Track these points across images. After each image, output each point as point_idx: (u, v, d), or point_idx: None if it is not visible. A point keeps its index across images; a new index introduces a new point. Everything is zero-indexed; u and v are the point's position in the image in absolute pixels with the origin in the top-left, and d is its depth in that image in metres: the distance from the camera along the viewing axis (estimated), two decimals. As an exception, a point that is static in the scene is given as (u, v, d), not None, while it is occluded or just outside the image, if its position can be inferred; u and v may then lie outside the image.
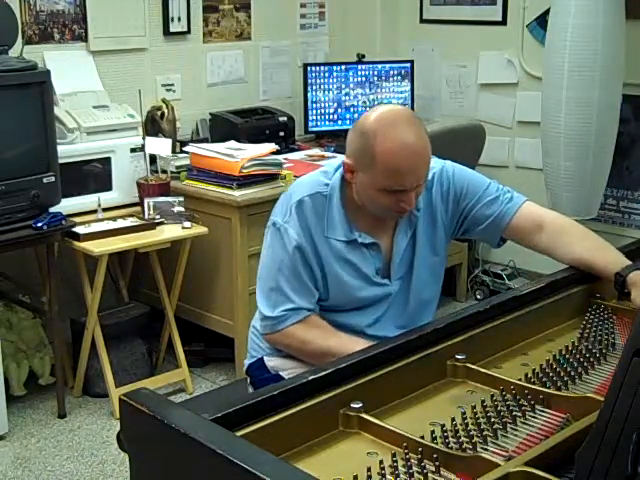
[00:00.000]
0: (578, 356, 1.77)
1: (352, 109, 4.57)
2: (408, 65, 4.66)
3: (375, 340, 1.97)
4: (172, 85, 4.14)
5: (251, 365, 2.25)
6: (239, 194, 3.48)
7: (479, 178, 2.21)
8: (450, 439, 1.44)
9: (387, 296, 2.15)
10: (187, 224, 3.47)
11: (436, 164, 2.17)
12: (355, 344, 1.88)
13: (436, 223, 2.17)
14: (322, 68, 4.52)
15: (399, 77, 4.64)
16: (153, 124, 3.83)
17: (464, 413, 1.54)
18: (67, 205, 3.33)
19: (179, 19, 4.10)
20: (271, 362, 2.19)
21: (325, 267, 2.09)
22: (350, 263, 2.10)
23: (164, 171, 3.63)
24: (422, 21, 4.82)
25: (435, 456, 1.36)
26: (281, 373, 2.14)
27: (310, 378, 1.51)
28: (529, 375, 1.68)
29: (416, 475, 1.34)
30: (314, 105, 4.51)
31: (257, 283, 2.16)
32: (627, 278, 1.97)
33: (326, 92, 4.52)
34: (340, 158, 2.15)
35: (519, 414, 1.52)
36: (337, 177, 2.10)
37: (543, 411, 1.54)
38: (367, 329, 2.14)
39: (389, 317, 2.16)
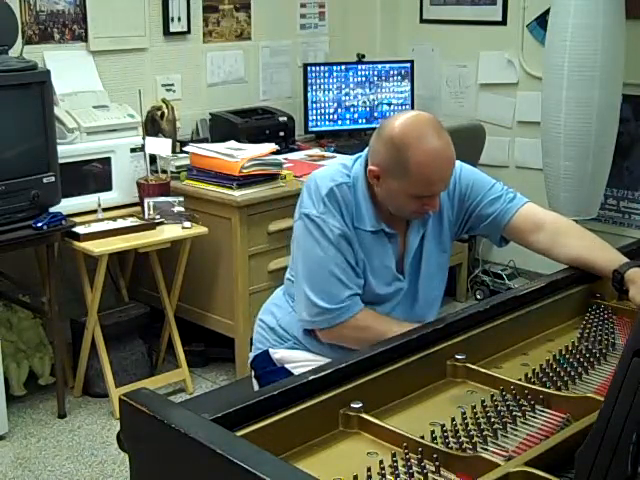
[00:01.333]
0: (578, 356, 1.77)
1: (352, 109, 4.57)
2: (408, 65, 4.66)
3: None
4: (172, 85, 4.14)
5: (256, 357, 2.27)
6: (239, 194, 3.48)
7: (484, 178, 2.24)
8: (450, 439, 1.44)
9: (398, 292, 2.18)
10: (187, 224, 3.47)
11: None
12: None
13: (443, 222, 2.20)
14: (322, 68, 4.52)
15: (399, 77, 4.64)
16: (153, 124, 3.83)
17: (464, 413, 1.54)
18: (67, 205, 3.33)
19: (179, 19, 4.10)
20: (276, 354, 2.20)
21: (357, 257, 2.12)
22: (374, 256, 2.13)
23: (164, 171, 3.63)
24: (422, 21, 4.82)
25: (435, 456, 1.36)
26: (286, 366, 2.16)
27: (310, 378, 1.51)
28: (529, 375, 1.68)
29: (416, 475, 1.34)
30: (314, 105, 4.50)
31: (300, 279, 2.12)
32: (625, 275, 1.97)
33: (326, 92, 4.52)
34: (340, 158, 2.16)
35: (519, 414, 1.52)
36: (358, 169, 2.12)
37: (543, 411, 1.54)
38: None
39: (397, 313, 2.18)
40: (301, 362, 2.12)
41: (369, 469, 1.33)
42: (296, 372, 2.06)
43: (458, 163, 2.22)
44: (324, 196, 2.08)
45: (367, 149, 2.14)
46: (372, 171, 2.06)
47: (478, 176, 2.23)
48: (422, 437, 1.43)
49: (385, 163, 2.03)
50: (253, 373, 2.30)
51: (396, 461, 1.36)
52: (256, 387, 2.26)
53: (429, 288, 2.22)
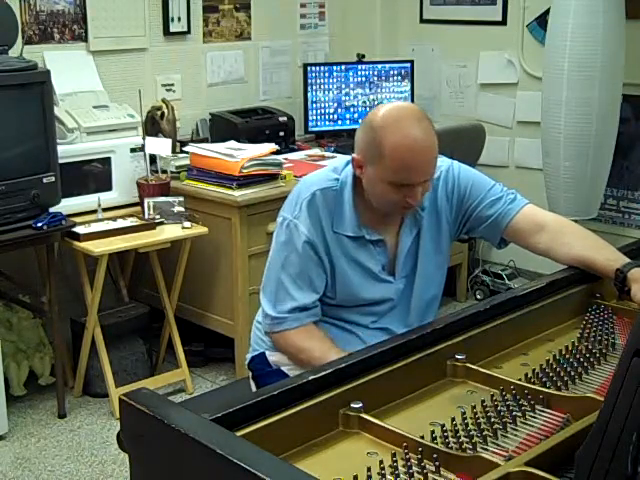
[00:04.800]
0: (578, 356, 1.77)
1: (352, 109, 4.57)
2: (408, 65, 4.66)
3: (378, 336, 1.99)
4: (172, 85, 4.14)
5: (253, 359, 2.27)
6: (239, 194, 3.48)
7: (484, 179, 2.23)
8: (450, 439, 1.44)
9: (392, 294, 2.17)
10: (187, 224, 3.47)
11: (443, 163, 2.19)
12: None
13: (441, 222, 2.19)
14: (322, 68, 4.52)
15: (399, 77, 4.64)
16: (153, 124, 3.83)
17: (464, 413, 1.54)
18: (67, 205, 3.33)
19: (179, 19, 4.10)
20: (273, 357, 2.20)
21: (334, 263, 2.11)
22: (357, 261, 2.12)
23: (164, 171, 3.63)
24: (422, 21, 4.82)
25: (435, 456, 1.36)
26: (282, 368, 2.16)
27: (310, 378, 1.51)
28: (529, 375, 1.68)
29: (416, 475, 1.34)
30: (314, 105, 4.51)
31: (263, 279, 2.18)
32: (628, 274, 1.97)
33: (326, 92, 4.52)
34: (341, 158, 2.16)
35: (519, 414, 1.52)
36: (347, 172, 2.12)
37: (543, 411, 1.54)
38: (372, 324, 2.16)
39: (393, 315, 2.18)
40: (296, 365, 2.11)
41: (369, 469, 1.33)
42: (292, 374, 2.06)
43: (457, 164, 2.22)
44: (303, 200, 2.08)
45: None
46: (355, 160, 2.06)
47: (477, 177, 2.23)
48: (422, 437, 1.43)
49: (365, 149, 2.03)
50: (251, 374, 2.30)
51: (396, 461, 1.36)
52: (254, 388, 2.26)
53: (426, 288, 2.21)
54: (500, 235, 2.20)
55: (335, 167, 2.17)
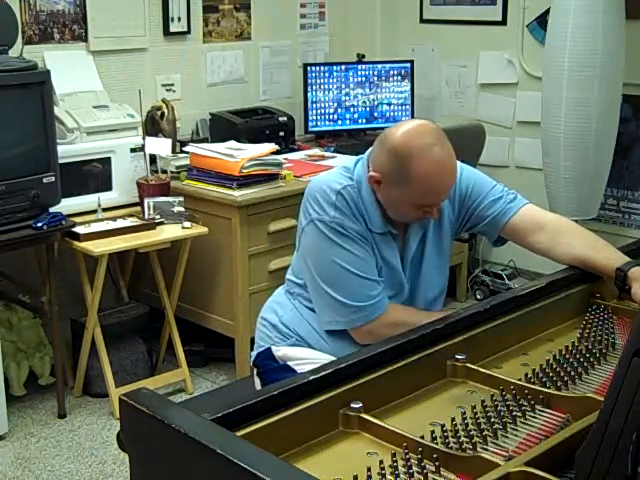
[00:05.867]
0: (578, 356, 1.77)
1: (352, 109, 4.57)
2: (408, 65, 4.66)
3: None
4: (172, 85, 4.14)
5: (259, 355, 2.27)
6: (239, 194, 3.48)
7: (485, 179, 2.25)
8: (450, 439, 1.44)
9: (402, 291, 2.19)
10: (187, 224, 3.47)
11: None
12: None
13: (443, 223, 2.21)
14: (322, 68, 4.52)
15: (399, 77, 4.64)
16: (153, 124, 3.83)
17: (464, 413, 1.54)
18: (67, 205, 3.33)
19: (179, 19, 4.10)
20: (279, 352, 2.21)
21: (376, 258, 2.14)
22: (382, 257, 2.14)
23: (164, 171, 3.63)
24: (422, 21, 4.82)
25: (435, 456, 1.36)
26: (289, 363, 2.16)
27: (310, 378, 1.51)
28: (529, 375, 1.68)
29: (416, 475, 1.34)
30: (314, 105, 4.50)
31: (319, 284, 2.12)
32: (628, 273, 1.98)
33: (326, 92, 4.52)
34: (347, 158, 2.17)
35: (519, 414, 1.52)
36: (359, 172, 2.13)
37: (543, 411, 1.54)
38: None
39: None
40: (304, 359, 2.12)
41: (369, 469, 1.33)
42: (299, 369, 2.07)
43: (459, 164, 2.22)
44: (334, 201, 2.09)
45: (368, 152, 2.14)
46: (373, 177, 2.07)
47: (479, 177, 2.24)
48: (422, 437, 1.43)
49: (387, 171, 2.04)
50: (256, 371, 2.30)
51: (396, 461, 1.36)
52: (258, 385, 2.26)
53: (429, 289, 2.23)
54: (498, 233, 2.22)
55: (346, 167, 2.17)
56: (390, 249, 2.15)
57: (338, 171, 2.18)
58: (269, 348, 2.23)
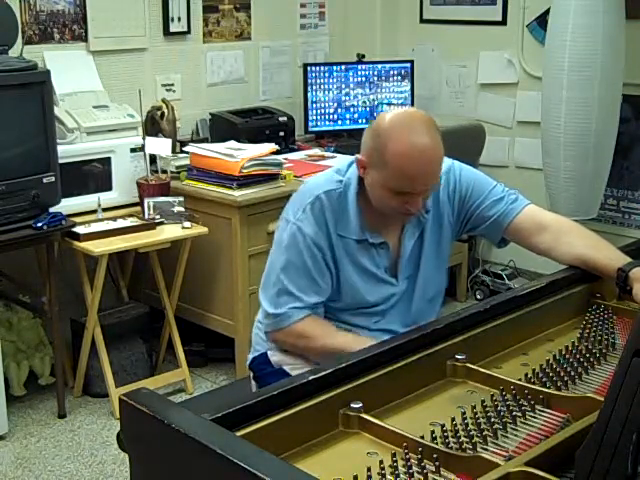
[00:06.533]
0: (578, 356, 1.77)
1: (352, 109, 4.57)
2: (408, 65, 4.66)
3: (380, 337, 1.99)
4: (172, 85, 4.14)
5: (254, 359, 2.27)
6: (239, 194, 3.48)
7: (485, 179, 2.23)
8: (450, 439, 1.44)
9: (393, 295, 2.17)
10: (187, 224, 3.47)
11: (444, 164, 2.18)
12: (361, 342, 1.89)
13: (442, 223, 2.20)
14: (322, 68, 4.52)
15: (399, 77, 4.64)
16: (153, 124, 3.83)
17: (464, 413, 1.54)
18: (67, 205, 3.33)
19: (179, 19, 4.10)
20: (275, 357, 2.20)
21: (339, 267, 2.11)
22: (360, 265, 2.12)
23: (164, 171, 3.63)
24: (422, 21, 4.82)
25: (435, 456, 1.36)
26: (284, 367, 2.15)
27: (310, 378, 1.51)
28: (529, 375, 1.68)
29: (416, 475, 1.34)
30: (314, 105, 4.51)
31: (262, 280, 2.17)
32: (630, 274, 1.97)
33: (326, 92, 4.52)
34: (344, 159, 2.17)
35: (519, 414, 1.52)
36: (351, 174, 2.12)
37: (543, 411, 1.54)
38: (373, 325, 2.17)
39: (395, 315, 2.18)
40: (299, 364, 2.12)
41: (369, 469, 1.33)
42: (294, 374, 2.06)
43: (458, 164, 2.22)
44: (307, 203, 2.08)
45: None
46: (360, 160, 2.06)
47: (479, 177, 2.23)
48: (422, 437, 1.43)
49: (369, 152, 2.03)
50: (252, 375, 2.30)
51: (396, 461, 1.36)
52: (255, 389, 2.26)
53: (427, 289, 2.22)
54: (501, 235, 2.21)
55: (339, 168, 2.17)
56: (369, 256, 2.12)
57: (329, 173, 2.17)
58: (265, 353, 2.22)
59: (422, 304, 2.22)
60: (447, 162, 2.20)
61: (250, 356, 2.30)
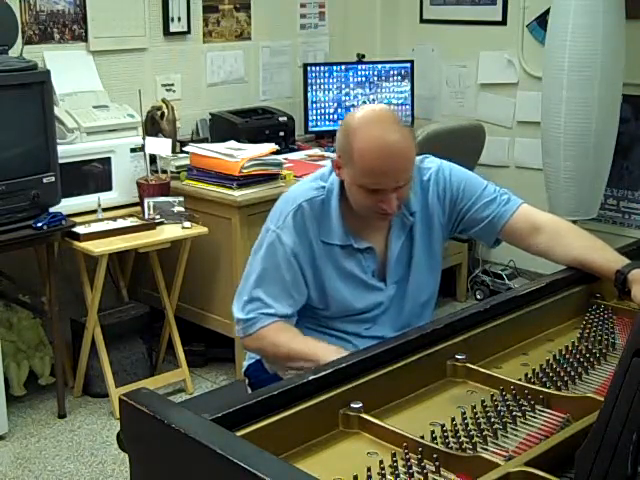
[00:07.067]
0: (578, 356, 1.77)
1: (352, 109, 4.56)
2: (408, 65, 4.66)
3: (370, 344, 1.97)
4: (172, 85, 4.14)
5: (250, 366, 2.25)
6: (239, 194, 3.48)
7: (476, 179, 2.20)
8: (450, 439, 1.44)
9: (383, 301, 2.14)
10: (187, 224, 3.47)
11: (432, 164, 2.17)
12: (329, 350, 1.88)
13: (433, 224, 2.16)
14: (322, 68, 4.52)
15: (399, 77, 4.64)
16: (153, 124, 3.83)
17: (464, 413, 1.54)
18: (67, 205, 3.33)
19: (179, 19, 4.10)
20: (269, 363, 2.18)
21: (323, 275, 2.08)
22: (346, 271, 2.09)
23: (164, 171, 3.63)
24: (422, 21, 4.82)
25: (435, 456, 1.36)
26: (280, 374, 2.14)
27: (310, 378, 1.51)
28: (529, 375, 1.68)
29: (416, 475, 1.34)
30: (314, 105, 4.51)
31: (239, 286, 2.14)
32: (628, 276, 1.97)
33: (326, 92, 4.52)
34: (328, 164, 2.15)
35: (519, 414, 1.52)
36: (333, 179, 2.09)
37: (543, 411, 1.54)
38: (364, 332, 2.13)
39: (386, 320, 2.15)
40: (294, 371, 2.10)
41: (369, 469, 1.33)
42: None
43: (447, 164, 2.18)
44: (289, 212, 2.05)
45: None
46: (335, 161, 2.05)
47: (469, 177, 2.19)
48: (422, 437, 1.43)
49: (340, 150, 2.02)
50: (247, 381, 2.29)
51: (396, 461, 1.36)
52: None
53: (420, 292, 2.18)
54: (495, 237, 2.18)
55: (322, 174, 2.14)
56: (355, 262, 2.09)
57: (312, 180, 2.14)
58: (260, 359, 2.21)
59: (415, 308, 2.18)
60: (435, 162, 2.18)
61: (245, 363, 2.28)
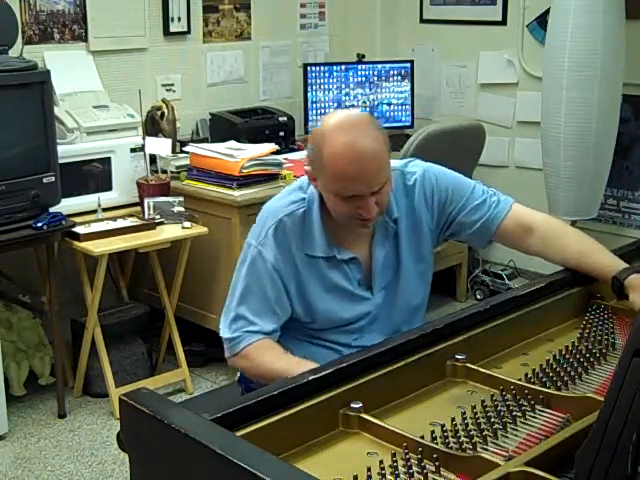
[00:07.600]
0: (578, 356, 1.77)
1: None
2: (408, 65, 4.66)
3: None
4: (172, 85, 4.14)
5: (243, 375, 2.22)
6: (239, 194, 3.48)
7: (463, 181, 2.15)
8: (450, 439, 1.44)
9: (371, 309, 2.10)
10: (187, 224, 3.47)
11: (417, 168, 2.12)
12: (302, 366, 1.82)
13: (421, 229, 2.12)
14: (322, 68, 4.52)
15: (399, 77, 4.64)
16: (153, 124, 3.83)
17: (464, 413, 1.54)
18: (67, 205, 3.33)
19: (179, 19, 4.10)
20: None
21: (308, 288, 2.05)
22: (331, 283, 2.06)
23: (164, 171, 3.63)
24: (422, 21, 4.82)
25: (435, 456, 1.36)
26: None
27: (310, 378, 1.51)
28: (529, 375, 1.68)
29: (416, 475, 1.34)
30: (314, 105, 4.51)
31: (226, 303, 2.10)
32: (624, 282, 1.95)
33: (326, 92, 4.52)
34: (299, 179, 2.13)
35: (519, 414, 1.52)
36: (313, 189, 2.04)
37: (543, 411, 1.54)
38: (354, 342, 2.10)
39: (376, 328, 2.11)
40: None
41: (369, 469, 1.33)
42: None
43: (432, 167, 2.14)
44: (269, 227, 2.02)
45: None
46: (307, 172, 2.00)
47: (456, 179, 2.15)
48: (422, 437, 1.43)
49: (311, 159, 1.97)
50: (240, 390, 2.27)
51: (396, 461, 1.36)
52: None
53: (408, 298, 2.14)
54: (488, 240, 2.16)
55: (301, 185, 2.10)
56: (339, 273, 2.06)
57: (291, 192, 2.09)
58: None
59: (405, 314, 2.14)
60: (421, 166, 2.13)
61: (239, 372, 2.27)
